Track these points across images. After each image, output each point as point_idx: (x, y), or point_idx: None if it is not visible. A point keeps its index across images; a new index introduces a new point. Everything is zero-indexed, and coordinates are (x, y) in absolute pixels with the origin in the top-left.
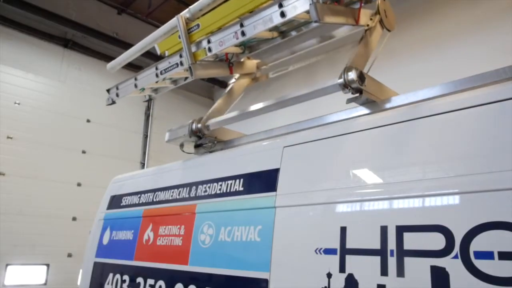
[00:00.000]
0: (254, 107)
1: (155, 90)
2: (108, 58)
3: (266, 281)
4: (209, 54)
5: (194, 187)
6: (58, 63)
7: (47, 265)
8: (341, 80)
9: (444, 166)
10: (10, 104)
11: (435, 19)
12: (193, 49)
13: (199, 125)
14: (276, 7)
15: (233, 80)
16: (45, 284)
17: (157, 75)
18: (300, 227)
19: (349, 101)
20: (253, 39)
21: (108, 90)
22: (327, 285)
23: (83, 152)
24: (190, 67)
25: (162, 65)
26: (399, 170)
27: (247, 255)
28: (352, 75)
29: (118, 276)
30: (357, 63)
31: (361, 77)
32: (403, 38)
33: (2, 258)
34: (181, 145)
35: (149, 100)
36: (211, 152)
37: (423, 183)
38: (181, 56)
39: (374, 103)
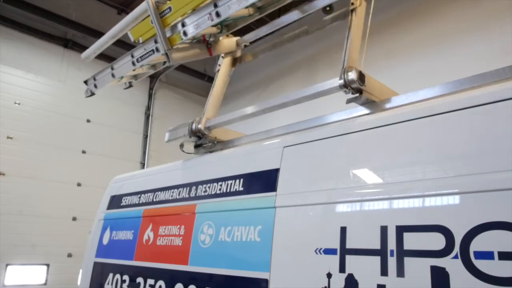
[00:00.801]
0: (254, 107)
1: (135, 77)
2: (109, 58)
3: (266, 281)
4: (184, 38)
5: (194, 187)
6: (58, 63)
7: (47, 265)
8: (341, 81)
9: (444, 166)
10: (10, 104)
11: (435, 19)
12: (168, 33)
13: (199, 125)
14: None
15: (217, 68)
16: (45, 284)
17: (133, 63)
18: (300, 227)
19: (349, 101)
20: (230, 18)
21: (85, 82)
22: (327, 285)
23: (83, 152)
24: (166, 53)
25: (138, 52)
26: (399, 170)
27: (247, 255)
28: (352, 75)
29: (118, 276)
30: (352, 51)
31: (361, 77)
32: (403, 38)
33: (2, 258)
34: (181, 145)
35: (129, 87)
36: (211, 152)
37: (423, 183)
38: (156, 41)
39: (374, 103)
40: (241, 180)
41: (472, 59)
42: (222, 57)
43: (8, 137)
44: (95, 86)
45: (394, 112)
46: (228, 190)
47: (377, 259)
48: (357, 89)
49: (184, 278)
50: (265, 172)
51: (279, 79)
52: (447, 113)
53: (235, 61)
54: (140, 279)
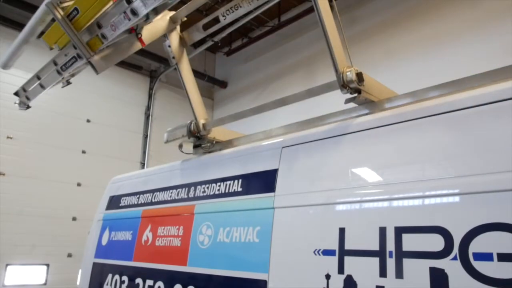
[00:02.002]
0: (254, 107)
1: (72, 75)
2: None
3: (264, 282)
4: (106, 42)
5: (193, 188)
6: None
7: (47, 265)
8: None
9: (443, 166)
10: (10, 104)
11: (435, 19)
12: (86, 37)
13: (198, 126)
14: None
15: (172, 58)
16: (45, 284)
17: (59, 72)
18: (299, 228)
19: (348, 101)
20: None
21: (16, 93)
22: (325, 286)
23: (83, 152)
24: (90, 63)
25: (60, 59)
26: (397, 171)
27: (245, 256)
28: (350, 75)
29: (117, 276)
30: (337, 52)
31: (359, 77)
32: (403, 38)
33: (2, 258)
34: (180, 146)
35: (68, 84)
36: (209, 152)
37: (422, 184)
38: (75, 47)
39: (373, 103)
40: (240, 180)
41: (472, 59)
42: (169, 46)
43: (8, 137)
44: (27, 98)
45: (393, 112)
46: (227, 191)
47: (376, 260)
48: (355, 89)
49: (183, 278)
50: (264, 172)
51: (279, 79)
52: (447, 113)
53: (183, 41)
54: (139, 280)
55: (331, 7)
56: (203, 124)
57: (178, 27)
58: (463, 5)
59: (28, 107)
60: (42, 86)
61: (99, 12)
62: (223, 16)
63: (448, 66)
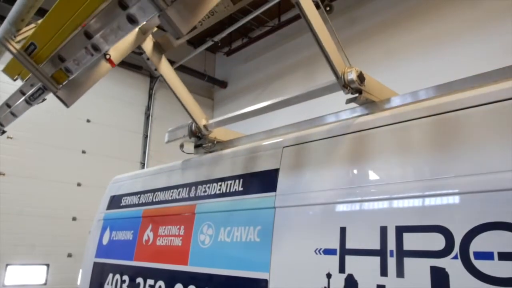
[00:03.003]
0: (254, 107)
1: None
2: None
3: (265, 281)
4: (71, 76)
5: (193, 187)
6: None
7: (47, 265)
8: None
9: (444, 166)
10: None
11: (435, 19)
12: (49, 70)
13: (199, 126)
14: (119, 10)
15: (154, 69)
16: (45, 284)
17: (28, 102)
18: (299, 228)
19: (349, 101)
20: None
21: None
22: (326, 285)
23: (83, 152)
24: (57, 97)
25: (27, 89)
26: (398, 170)
27: (246, 256)
28: (351, 75)
29: (118, 276)
30: (333, 54)
31: (361, 77)
32: (403, 38)
33: (2, 258)
34: (181, 146)
35: (43, 100)
36: (210, 152)
37: (422, 183)
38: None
39: (374, 103)
40: (241, 180)
41: (472, 59)
42: (148, 59)
43: (8, 137)
44: (1, 124)
45: (394, 112)
46: (227, 191)
47: (376, 260)
48: (356, 89)
49: (184, 278)
50: (265, 172)
51: (279, 79)
52: (447, 113)
53: (161, 48)
54: (140, 279)
55: (330, 6)
56: (204, 125)
57: (150, 36)
58: (463, 5)
59: (4, 132)
60: (14, 114)
61: (59, 46)
62: (200, 22)
63: (448, 66)
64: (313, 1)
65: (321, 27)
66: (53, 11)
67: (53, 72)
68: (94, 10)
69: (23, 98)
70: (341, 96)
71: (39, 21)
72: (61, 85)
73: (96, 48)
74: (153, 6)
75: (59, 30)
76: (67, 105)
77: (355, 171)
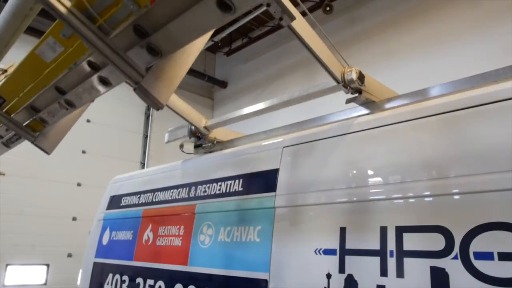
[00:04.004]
0: (254, 107)
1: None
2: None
3: (265, 282)
4: (47, 126)
5: (193, 188)
6: None
7: (47, 265)
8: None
9: (444, 166)
10: None
11: (435, 19)
12: (23, 120)
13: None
14: (91, 70)
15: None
16: (45, 284)
17: (6, 145)
18: (299, 228)
19: (349, 101)
20: None
21: None
22: (326, 285)
23: (83, 152)
24: (37, 146)
25: (3, 133)
26: (398, 171)
27: (246, 256)
28: (351, 75)
29: (117, 276)
30: (327, 58)
31: (361, 77)
32: (403, 38)
33: (2, 258)
34: (181, 146)
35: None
36: (210, 152)
37: (422, 183)
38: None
39: (374, 103)
40: (241, 180)
41: (472, 59)
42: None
43: None
44: None
45: (394, 112)
46: (227, 191)
47: (376, 260)
48: (356, 89)
49: (184, 278)
50: (265, 172)
51: (279, 79)
52: (447, 113)
53: None
54: (139, 279)
55: (330, 6)
56: (204, 125)
57: None
58: (463, 5)
59: None
60: None
61: (31, 99)
62: None
63: (448, 66)
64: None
65: (313, 38)
66: (20, 68)
67: (28, 122)
68: (64, 69)
69: (1, 140)
70: (341, 96)
71: (8, 72)
72: (38, 133)
73: (70, 104)
74: (124, 77)
75: (28, 86)
76: (47, 153)
77: (355, 171)
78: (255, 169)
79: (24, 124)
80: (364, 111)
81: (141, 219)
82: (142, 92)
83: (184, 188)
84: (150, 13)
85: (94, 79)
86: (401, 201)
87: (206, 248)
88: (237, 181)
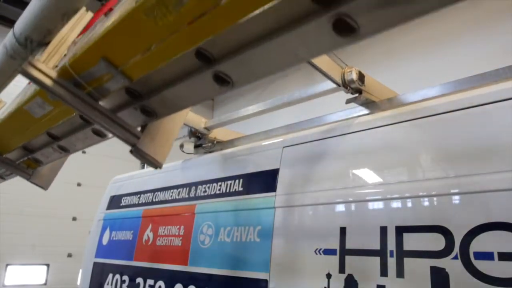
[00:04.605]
0: (254, 107)
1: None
2: None
3: (265, 282)
4: (42, 165)
5: (193, 188)
6: None
7: (47, 265)
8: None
9: (444, 166)
10: None
11: (435, 19)
12: (16, 159)
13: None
14: (83, 123)
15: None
16: (45, 284)
17: (1, 177)
18: (299, 228)
19: (349, 101)
20: None
21: None
22: (326, 285)
23: (83, 152)
24: (33, 183)
25: None
26: (398, 171)
27: (246, 256)
28: (351, 75)
29: (117, 276)
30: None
31: (361, 77)
32: (403, 38)
33: (2, 258)
34: (181, 146)
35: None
36: (210, 152)
37: (422, 183)
38: None
39: (374, 103)
40: (241, 180)
41: (472, 59)
42: None
43: None
44: None
45: (394, 112)
46: (227, 191)
47: (376, 260)
48: (356, 89)
49: (184, 278)
50: (265, 172)
51: (279, 79)
52: (447, 113)
53: None
54: (139, 279)
55: None
56: (204, 126)
57: None
58: (463, 5)
59: None
60: None
61: (23, 143)
62: None
63: (448, 66)
64: None
65: None
66: (9, 119)
67: (21, 160)
68: (55, 123)
69: None
70: (342, 96)
71: None
72: (33, 170)
73: (64, 149)
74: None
75: (19, 134)
76: (44, 189)
77: (355, 171)
78: (255, 169)
79: (18, 162)
80: (364, 111)
81: (141, 219)
82: (139, 154)
83: (184, 188)
84: (143, 79)
85: (88, 130)
86: (401, 201)
87: (206, 248)
88: (237, 181)
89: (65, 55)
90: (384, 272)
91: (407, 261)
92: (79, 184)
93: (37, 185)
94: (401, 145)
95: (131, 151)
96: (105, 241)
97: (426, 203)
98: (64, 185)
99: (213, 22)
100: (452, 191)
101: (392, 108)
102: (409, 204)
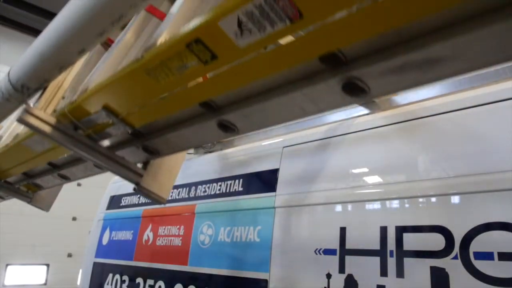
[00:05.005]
0: None
1: None
2: None
3: (265, 282)
4: (42, 189)
5: (193, 187)
6: None
7: (47, 265)
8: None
9: (444, 166)
10: None
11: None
12: (16, 183)
13: None
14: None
15: None
16: (45, 284)
17: (1, 197)
18: (299, 228)
19: None
20: None
21: None
22: (326, 285)
23: None
24: (34, 205)
25: None
26: (398, 170)
27: (246, 256)
28: None
29: (117, 276)
30: None
31: None
32: None
33: (2, 258)
34: None
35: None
36: (210, 152)
37: (422, 184)
38: None
39: (374, 103)
40: (241, 180)
41: None
42: None
43: None
44: None
45: (394, 112)
46: (227, 191)
47: (376, 260)
48: None
49: (184, 278)
50: (265, 172)
51: None
52: (447, 113)
53: None
54: (139, 279)
55: None
56: None
57: None
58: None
59: None
60: None
61: (22, 171)
62: None
63: None
64: None
65: None
66: (9, 151)
67: (21, 184)
68: (55, 158)
69: None
70: None
71: None
72: (34, 193)
73: (65, 177)
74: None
75: (19, 165)
76: (45, 211)
77: (355, 171)
78: (255, 169)
79: (17, 186)
80: (364, 111)
81: (141, 219)
82: (143, 192)
83: (184, 188)
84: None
85: (89, 163)
86: (401, 201)
87: (206, 248)
88: (237, 181)
89: (63, 97)
90: (384, 272)
91: (407, 261)
92: (79, 184)
93: (38, 207)
94: (400, 145)
95: (134, 189)
96: (105, 241)
97: (426, 203)
98: (64, 185)
99: (216, 83)
100: (452, 191)
101: (392, 108)
102: (409, 204)
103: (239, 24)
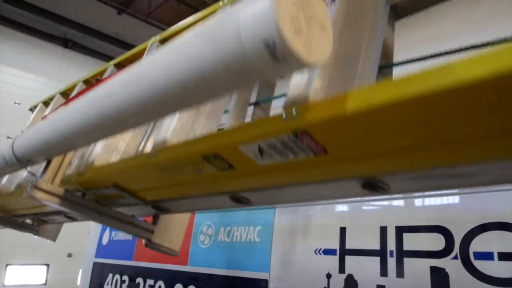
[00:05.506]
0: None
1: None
2: (108, 58)
3: (265, 282)
4: (47, 224)
5: None
6: (58, 63)
7: (47, 265)
8: None
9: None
10: (10, 104)
11: (435, 19)
12: (22, 217)
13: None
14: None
15: None
16: (45, 284)
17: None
18: (299, 228)
19: None
20: None
21: None
22: (326, 285)
23: None
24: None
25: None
26: None
27: (246, 256)
28: None
29: (117, 276)
30: None
31: None
32: (403, 38)
33: (2, 258)
34: None
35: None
36: None
37: None
38: None
39: None
40: None
41: None
42: None
43: (8, 137)
44: None
45: None
46: None
47: (376, 260)
48: None
49: (184, 278)
50: None
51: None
52: None
53: None
54: (139, 279)
55: None
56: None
57: None
58: (463, 5)
59: None
60: None
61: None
62: None
63: None
64: None
65: None
66: (12, 195)
67: (28, 220)
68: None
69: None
70: None
71: None
72: (39, 226)
73: (71, 218)
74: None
75: (25, 208)
76: (52, 241)
77: None
78: None
79: (23, 221)
80: None
81: (141, 219)
82: (155, 247)
83: None
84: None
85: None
86: (401, 201)
87: (206, 248)
88: None
89: (69, 163)
90: (384, 272)
91: (407, 261)
92: None
93: (45, 237)
94: None
95: (146, 245)
96: (105, 241)
97: (426, 203)
98: None
99: (234, 181)
100: (452, 191)
101: None
102: (409, 204)
103: (260, 150)
